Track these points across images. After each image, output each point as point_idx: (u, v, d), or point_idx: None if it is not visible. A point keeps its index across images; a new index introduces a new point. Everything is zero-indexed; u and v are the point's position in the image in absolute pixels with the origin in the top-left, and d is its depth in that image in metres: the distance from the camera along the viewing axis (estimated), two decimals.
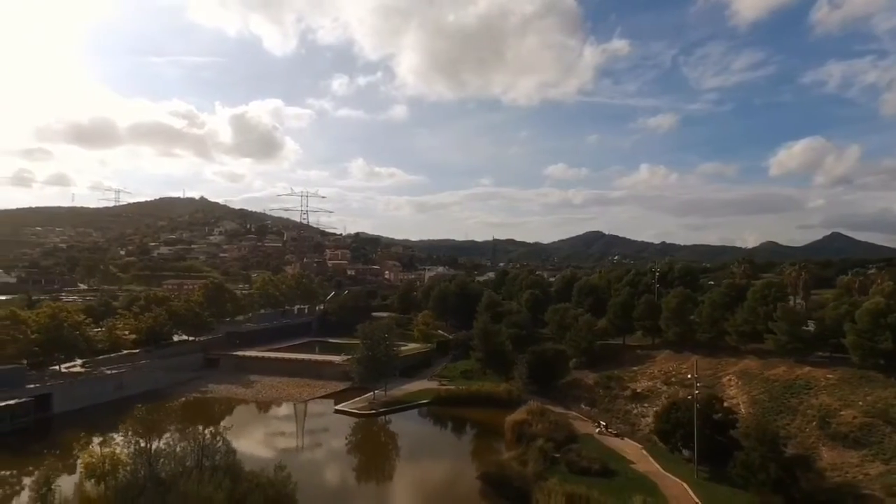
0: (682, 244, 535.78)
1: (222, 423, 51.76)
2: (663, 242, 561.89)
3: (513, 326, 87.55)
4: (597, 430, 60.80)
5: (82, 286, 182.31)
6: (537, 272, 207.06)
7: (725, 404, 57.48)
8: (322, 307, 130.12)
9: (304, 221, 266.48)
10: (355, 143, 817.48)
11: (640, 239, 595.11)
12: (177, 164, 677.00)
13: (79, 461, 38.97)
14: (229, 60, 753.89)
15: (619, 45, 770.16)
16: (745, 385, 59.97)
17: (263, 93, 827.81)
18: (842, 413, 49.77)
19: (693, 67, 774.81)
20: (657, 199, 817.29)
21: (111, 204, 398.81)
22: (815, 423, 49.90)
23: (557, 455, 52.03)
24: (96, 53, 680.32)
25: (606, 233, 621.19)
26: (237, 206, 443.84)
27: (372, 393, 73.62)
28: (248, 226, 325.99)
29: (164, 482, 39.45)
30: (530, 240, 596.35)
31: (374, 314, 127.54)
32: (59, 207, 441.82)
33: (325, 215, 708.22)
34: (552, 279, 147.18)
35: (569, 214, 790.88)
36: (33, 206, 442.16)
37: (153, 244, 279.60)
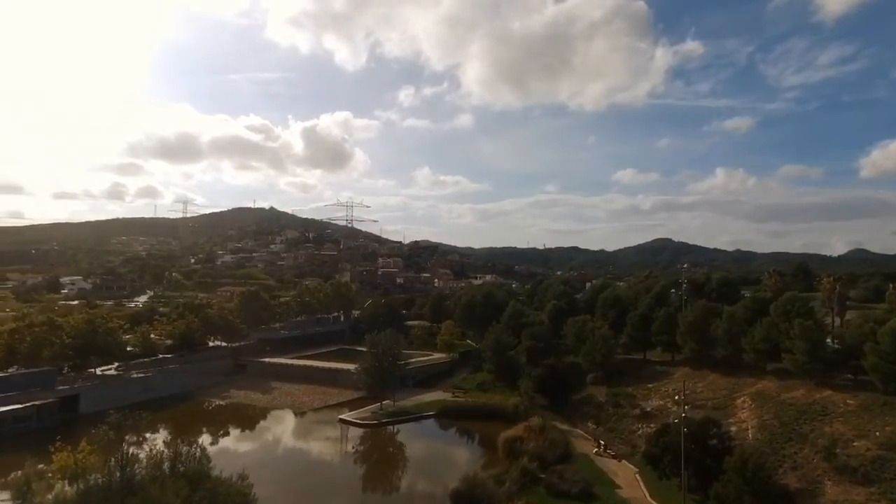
0: (759, 252, 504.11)
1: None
2: (738, 250, 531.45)
3: (531, 338, 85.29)
4: (594, 450, 58.08)
5: (150, 292, 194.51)
6: (593, 281, 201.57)
7: (734, 428, 53.85)
8: (356, 315, 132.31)
9: (349, 225, 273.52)
10: (421, 152, 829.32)
11: (712, 246, 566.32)
12: (253, 175, 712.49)
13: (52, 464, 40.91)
14: (300, 75, 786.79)
15: (693, 45, 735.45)
16: (757, 408, 55.36)
17: (333, 106, 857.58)
18: (855, 444, 44.91)
19: (772, 65, 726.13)
20: (733, 205, 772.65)
21: (180, 215, 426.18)
22: (823, 453, 45.20)
23: (543, 475, 50.15)
24: (181, 74, 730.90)
25: (676, 240, 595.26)
26: (305, 216, 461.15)
27: (379, 403, 73.87)
28: (308, 234, 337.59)
29: (133, 487, 41.19)
30: (595, 247, 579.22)
31: (408, 322, 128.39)
32: (145, 218, 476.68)
33: (391, 223, 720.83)
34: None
35: (636, 221, 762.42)
36: (122, 217, 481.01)
37: (220, 252, 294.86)
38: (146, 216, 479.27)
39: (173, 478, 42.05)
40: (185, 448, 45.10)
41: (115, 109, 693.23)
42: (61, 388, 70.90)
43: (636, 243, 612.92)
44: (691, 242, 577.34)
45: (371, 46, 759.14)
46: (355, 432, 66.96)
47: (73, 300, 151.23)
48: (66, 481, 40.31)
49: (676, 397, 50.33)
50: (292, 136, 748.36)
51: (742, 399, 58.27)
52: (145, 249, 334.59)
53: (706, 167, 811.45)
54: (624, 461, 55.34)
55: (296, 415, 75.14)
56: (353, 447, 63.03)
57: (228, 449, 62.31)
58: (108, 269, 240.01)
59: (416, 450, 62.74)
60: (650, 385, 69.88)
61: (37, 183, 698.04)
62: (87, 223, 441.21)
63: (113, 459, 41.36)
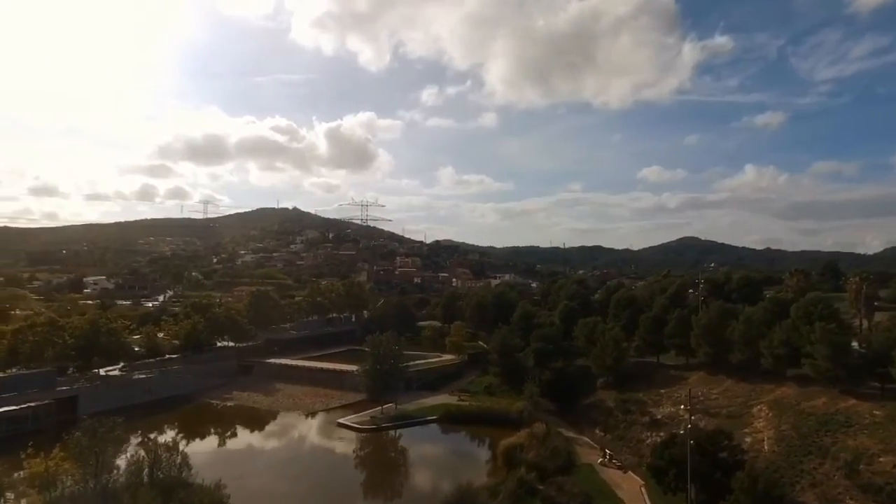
0: (789, 250, 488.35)
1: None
2: (767, 248, 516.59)
3: (540, 340, 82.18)
4: (600, 459, 54.92)
5: (169, 292, 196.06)
6: (614, 280, 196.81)
7: (748, 439, 50.29)
8: (367, 315, 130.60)
9: (365, 224, 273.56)
10: (445, 151, 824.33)
11: (740, 245, 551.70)
12: (279, 176, 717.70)
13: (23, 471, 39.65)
14: (324, 77, 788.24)
15: (722, 40, 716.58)
16: (775, 417, 51.51)
17: (357, 106, 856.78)
18: (881, 459, 41.03)
19: (803, 58, 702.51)
20: (763, 202, 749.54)
21: (200, 216, 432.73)
22: (845, 469, 41.39)
23: (541, 486, 47.34)
24: (209, 77, 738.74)
25: (703, 239, 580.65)
26: (328, 216, 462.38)
27: (380, 407, 71.67)
28: (328, 234, 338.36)
29: (107, 495, 39.75)
30: (619, 246, 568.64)
31: (420, 323, 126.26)
32: (172, 219, 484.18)
33: (414, 223, 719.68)
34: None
35: (662, 219, 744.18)
36: (150, 217, 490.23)
37: (242, 252, 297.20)
38: (174, 216, 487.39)
39: (150, 485, 40.66)
40: (164, 454, 43.85)
41: (146, 112, 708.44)
42: (61, 388, 70.38)
43: (661, 242, 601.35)
44: (719, 241, 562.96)
45: (394, 47, 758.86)
46: (355, 437, 64.87)
47: (94, 300, 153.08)
48: (37, 489, 39.03)
49: (683, 406, 46.83)
50: (317, 136, 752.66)
51: (759, 407, 54.42)
52: (171, 249, 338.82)
53: (735, 164, 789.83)
54: (630, 472, 52.14)
55: (305, 416, 73.69)
56: (350, 452, 61.02)
57: (219, 452, 61.03)
58: (133, 269, 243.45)
59: (414, 456, 60.49)
60: (662, 391, 66.27)
61: (71, 185, 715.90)
62: (117, 224, 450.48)
63: (87, 467, 40.21)
